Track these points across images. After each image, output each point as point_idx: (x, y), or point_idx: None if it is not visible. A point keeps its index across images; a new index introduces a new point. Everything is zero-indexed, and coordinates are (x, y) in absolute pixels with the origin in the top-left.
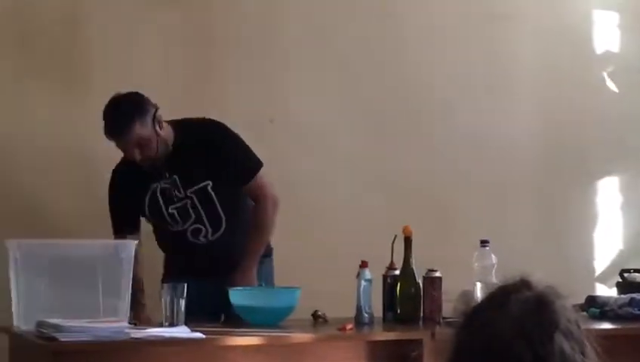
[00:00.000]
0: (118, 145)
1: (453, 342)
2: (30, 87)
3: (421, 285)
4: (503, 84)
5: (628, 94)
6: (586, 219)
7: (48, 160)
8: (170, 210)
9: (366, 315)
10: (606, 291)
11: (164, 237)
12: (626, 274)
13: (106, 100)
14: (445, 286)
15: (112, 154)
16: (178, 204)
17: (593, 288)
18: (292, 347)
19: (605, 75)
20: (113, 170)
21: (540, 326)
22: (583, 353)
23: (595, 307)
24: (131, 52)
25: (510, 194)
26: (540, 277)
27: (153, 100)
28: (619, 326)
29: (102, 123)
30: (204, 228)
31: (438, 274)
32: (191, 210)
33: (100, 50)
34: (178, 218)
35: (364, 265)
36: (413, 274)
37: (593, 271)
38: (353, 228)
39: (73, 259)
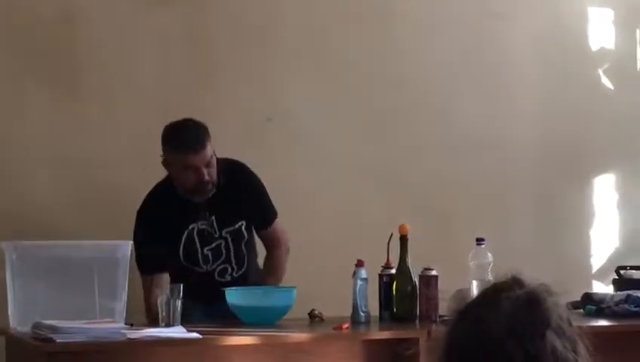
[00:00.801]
0: (191, 162)
1: (445, 339)
2: (25, 87)
3: (417, 284)
4: (499, 82)
5: (623, 91)
6: (582, 216)
7: (43, 161)
8: (205, 251)
9: (362, 314)
10: (602, 288)
11: (185, 276)
12: (622, 272)
13: (102, 101)
14: (441, 284)
15: (108, 154)
16: (212, 245)
17: (590, 285)
18: (288, 346)
19: (600, 72)
20: (143, 211)
21: (531, 324)
22: (575, 351)
23: (591, 304)
24: (127, 52)
25: (506, 192)
26: (532, 274)
27: (151, 99)
28: (615, 323)
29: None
30: (229, 268)
31: (434, 272)
32: (223, 251)
33: (96, 50)
34: (210, 258)
35: (360, 264)
36: (410, 272)
37: (590, 268)
38: (349, 227)
39: (69, 261)
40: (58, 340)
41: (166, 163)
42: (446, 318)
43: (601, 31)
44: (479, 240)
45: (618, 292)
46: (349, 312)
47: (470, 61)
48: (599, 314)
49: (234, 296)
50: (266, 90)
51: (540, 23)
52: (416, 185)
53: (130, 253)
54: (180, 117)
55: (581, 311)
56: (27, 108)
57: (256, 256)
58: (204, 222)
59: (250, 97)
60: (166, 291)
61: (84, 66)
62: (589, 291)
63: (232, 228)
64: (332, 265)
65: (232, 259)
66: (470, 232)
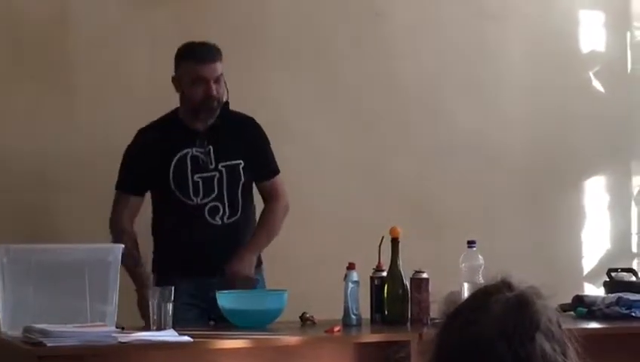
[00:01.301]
0: (202, 73)
1: (436, 342)
2: (18, 87)
3: (408, 286)
4: (490, 84)
5: (614, 94)
6: (573, 218)
7: (33, 160)
8: (195, 178)
9: (354, 317)
10: (594, 290)
11: (173, 215)
12: (613, 274)
13: (94, 100)
14: (432, 287)
15: (99, 154)
16: (205, 174)
17: (581, 287)
18: (280, 349)
19: (591, 74)
20: (141, 130)
21: (520, 326)
22: (564, 353)
23: (582, 306)
24: (120, 51)
25: (497, 195)
26: (521, 277)
27: (143, 98)
28: (606, 326)
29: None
30: (221, 208)
31: (425, 275)
32: (216, 185)
33: (88, 49)
34: (201, 189)
35: (351, 266)
36: (401, 275)
37: (581, 270)
38: (341, 229)
39: (60, 264)
40: (49, 344)
41: (175, 81)
42: (437, 321)
43: (591, 33)
44: (470, 243)
45: (609, 295)
46: (340, 315)
47: (462, 63)
48: (590, 316)
49: (225, 300)
50: (257, 89)
51: (531, 25)
52: (408, 188)
53: (121, 256)
54: None
55: (572, 313)
56: (17, 106)
57: (252, 212)
58: (199, 150)
59: (242, 97)
60: (157, 293)
61: (76, 65)
62: (580, 293)
63: (229, 163)
64: (324, 267)
65: (225, 198)
66: (461, 235)
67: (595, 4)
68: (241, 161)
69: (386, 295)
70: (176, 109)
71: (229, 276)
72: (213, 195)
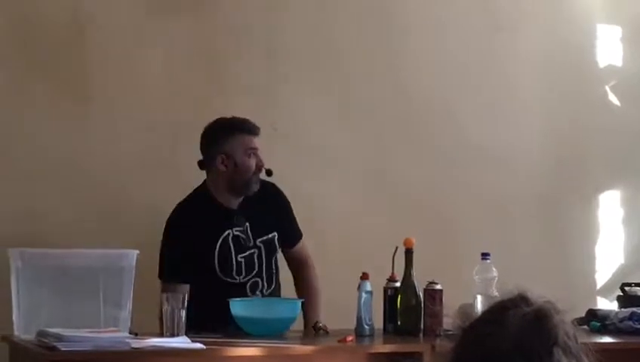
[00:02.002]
0: (254, 145)
1: (451, 356)
2: (32, 93)
3: (422, 297)
4: (506, 97)
5: (630, 108)
6: (587, 232)
7: (50, 166)
8: (239, 259)
9: (366, 327)
10: (607, 305)
11: (213, 293)
12: (627, 288)
13: (109, 108)
14: (446, 298)
15: (113, 161)
16: (246, 253)
17: (594, 301)
18: (293, 358)
19: (608, 88)
20: (179, 212)
21: (538, 341)
22: None
23: (596, 320)
24: (134, 61)
25: (512, 207)
26: (538, 291)
27: (157, 107)
28: (619, 340)
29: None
30: (261, 283)
31: (438, 286)
32: (256, 261)
33: (103, 58)
34: (243, 268)
35: (365, 276)
36: (414, 286)
37: (594, 284)
38: (354, 239)
39: (75, 269)
40: (62, 348)
41: (224, 156)
42: (451, 333)
43: (608, 47)
44: (484, 255)
45: (622, 309)
46: (353, 325)
47: (478, 75)
48: (603, 330)
49: (238, 307)
50: (271, 99)
51: (547, 39)
52: (422, 199)
53: (135, 261)
54: (186, 125)
55: (585, 327)
56: (33, 112)
57: (279, 284)
58: (238, 229)
59: (255, 106)
60: (171, 300)
61: (90, 73)
62: (594, 307)
63: (265, 238)
64: (337, 277)
65: (264, 273)
66: (475, 247)
67: (612, 19)
68: (275, 233)
69: (399, 305)
70: (205, 186)
71: None
72: (254, 272)
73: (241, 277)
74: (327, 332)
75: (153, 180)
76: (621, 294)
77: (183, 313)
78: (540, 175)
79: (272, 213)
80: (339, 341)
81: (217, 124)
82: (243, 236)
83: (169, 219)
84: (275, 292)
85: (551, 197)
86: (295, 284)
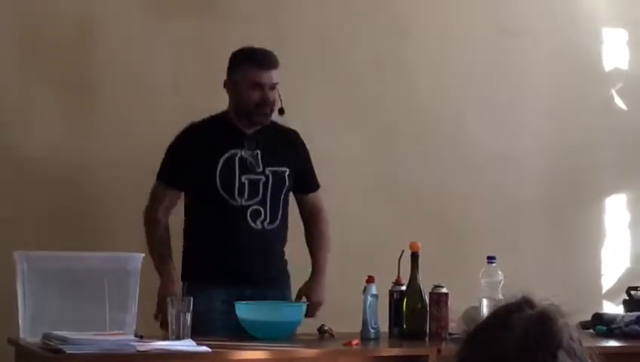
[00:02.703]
0: (261, 79)
1: (456, 360)
2: (39, 97)
3: (427, 301)
4: (513, 101)
5: (636, 111)
6: (593, 236)
7: (57, 171)
8: (242, 179)
9: (372, 330)
10: (613, 309)
11: (214, 215)
12: (632, 292)
13: (116, 113)
14: (452, 302)
15: (121, 165)
16: (252, 176)
17: (600, 305)
18: (298, 361)
19: (614, 92)
20: (192, 125)
21: (543, 344)
22: None
23: (601, 324)
24: (143, 63)
25: (518, 211)
26: (542, 295)
27: (165, 111)
28: (625, 344)
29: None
30: (263, 213)
31: (444, 290)
32: (261, 188)
33: (112, 60)
34: (246, 190)
35: (370, 280)
36: (420, 289)
37: (600, 288)
38: (360, 243)
39: (80, 272)
40: (68, 351)
41: (230, 83)
42: (456, 337)
43: (614, 51)
44: (490, 259)
45: (628, 313)
46: (358, 328)
47: (484, 79)
48: (609, 334)
49: (244, 310)
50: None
51: (553, 43)
52: (428, 202)
53: (140, 264)
54: None
55: (591, 331)
56: (41, 117)
57: (287, 222)
58: (248, 152)
59: None
60: (176, 303)
61: (98, 77)
62: (600, 311)
63: (276, 169)
64: (342, 280)
65: (268, 202)
66: (481, 250)
67: (618, 22)
68: (287, 170)
69: (404, 309)
70: (227, 112)
71: (315, 305)
72: (257, 199)
73: (243, 199)
74: (332, 336)
75: None
76: (627, 298)
77: (189, 316)
78: (546, 178)
79: (289, 152)
80: (344, 344)
81: (237, 51)
82: (251, 160)
83: (180, 132)
84: (280, 231)
85: (557, 200)
86: (305, 230)
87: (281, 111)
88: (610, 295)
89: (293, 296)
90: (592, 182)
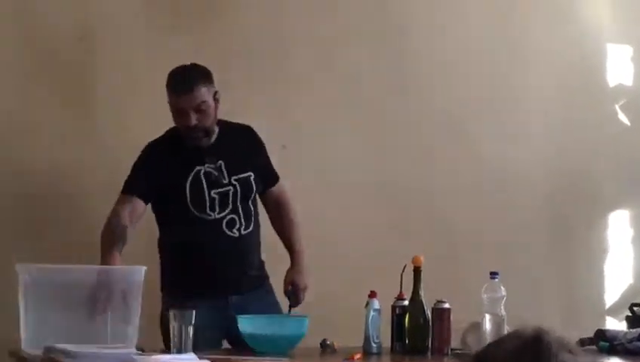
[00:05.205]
0: (179, 104)
1: None
2: (41, 108)
3: (430, 316)
4: (516, 115)
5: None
6: (596, 252)
7: (58, 180)
8: (212, 194)
9: (374, 345)
10: (616, 325)
11: (190, 230)
12: (635, 308)
13: (115, 123)
14: (454, 317)
15: (120, 177)
16: (221, 190)
17: (603, 322)
18: None
19: (617, 107)
20: (151, 143)
21: (537, 359)
22: None
23: (604, 341)
24: (142, 76)
25: (521, 226)
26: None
27: (164, 123)
28: (628, 361)
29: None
30: (238, 221)
31: (447, 305)
32: (231, 198)
33: (111, 73)
34: (217, 204)
35: (372, 294)
36: (422, 304)
37: (603, 304)
38: (363, 257)
39: (83, 285)
40: None
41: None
42: (462, 352)
43: (618, 67)
44: (493, 274)
45: (631, 330)
46: (361, 343)
47: (487, 92)
48: (612, 351)
49: (245, 324)
50: (280, 117)
51: (557, 57)
52: (431, 217)
53: (143, 277)
54: None
55: (594, 347)
56: (41, 124)
57: (258, 221)
58: (211, 166)
59: (264, 124)
60: (179, 317)
61: (98, 86)
62: (602, 327)
63: (241, 176)
64: (345, 295)
65: (240, 210)
66: (483, 265)
67: (622, 38)
68: (252, 173)
69: (407, 324)
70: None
71: (302, 290)
72: (229, 209)
73: (216, 213)
74: (334, 350)
75: None
76: (630, 314)
77: (190, 330)
78: (549, 194)
79: (246, 153)
80: (346, 359)
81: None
82: (215, 173)
83: (141, 152)
84: (255, 233)
85: (560, 216)
86: (273, 221)
87: (220, 122)
88: (613, 311)
89: (278, 290)
90: (596, 197)
